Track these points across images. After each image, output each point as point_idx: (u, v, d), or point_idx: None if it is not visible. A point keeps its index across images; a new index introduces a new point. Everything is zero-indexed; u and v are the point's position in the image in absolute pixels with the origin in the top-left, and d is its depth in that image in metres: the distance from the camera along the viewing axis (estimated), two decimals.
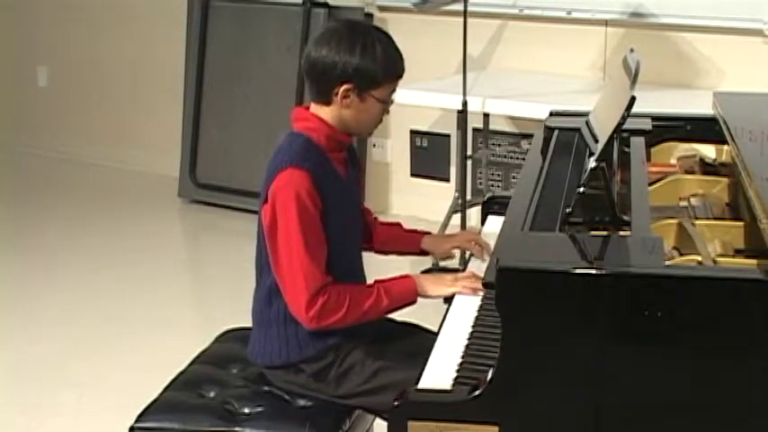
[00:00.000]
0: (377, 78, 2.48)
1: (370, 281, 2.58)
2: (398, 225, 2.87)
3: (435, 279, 2.59)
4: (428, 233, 2.86)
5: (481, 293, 2.52)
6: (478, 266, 2.70)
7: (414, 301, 2.56)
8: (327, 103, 2.52)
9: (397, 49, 2.54)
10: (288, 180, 2.44)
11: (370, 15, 5.58)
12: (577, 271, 1.92)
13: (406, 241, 2.84)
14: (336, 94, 2.48)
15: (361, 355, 2.53)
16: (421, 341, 2.51)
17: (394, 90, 2.56)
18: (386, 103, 2.54)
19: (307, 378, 2.55)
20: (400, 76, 2.55)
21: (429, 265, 4.47)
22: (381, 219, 2.88)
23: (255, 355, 2.63)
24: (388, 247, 2.85)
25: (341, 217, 2.53)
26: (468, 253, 2.85)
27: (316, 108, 2.55)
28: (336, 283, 2.48)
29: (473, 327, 2.39)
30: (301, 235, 2.43)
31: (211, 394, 2.60)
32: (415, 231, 2.86)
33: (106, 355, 4.16)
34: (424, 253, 2.85)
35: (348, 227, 2.60)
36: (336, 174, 2.54)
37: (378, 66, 2.47)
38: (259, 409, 2.53)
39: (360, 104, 2.50)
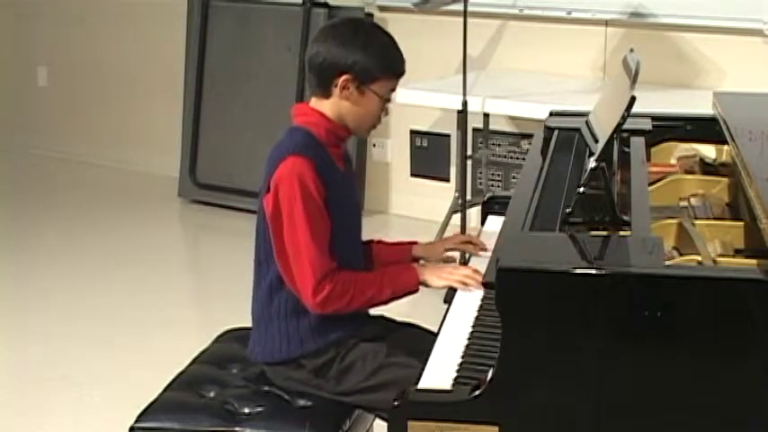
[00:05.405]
0: (376, 71, 2.50)
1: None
2: (380, 241, 2.79)
3: (434, 269, 2.59)
4: (416, 242, 2.80)
5: (474, 288, 2.52)
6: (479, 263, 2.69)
7: (416, 290, 2.56)
8: (327, 96, 2.53)
9: (398, 48, 2.56)
10: (291, 167, 2.45)
11: (370, 15, 5.58)
12: (577, 271, 1.92)
13: (396, 253, 2.76)
14: (336, 85, 2.50)
15: (362, 351, 2.53)
16: (421, 341, 2.50)
17: (394, 89, 2.57)
18: (385, 99, 2.55)
19: (307, 374, 2.55)
20: (400, 75, 2.56)
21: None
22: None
23: (256, 352, 2.63)
24: (377, 264, 2.74)
25: (342, 209, 2.54)
26: (467, 254, 2.85)
27: (316, 103, 2.56)
28: (341, 269, 2.48)
29: (473, 327, 2.39)
30: (306, 221, 2.43)
31: (211, 394, 2.60)
32: (401, 243, 2.80)
33: (106, 355, 4.16)
34: (415, 261, 2.79)
35: (349, 219, 2.60)
36: (336, 167, 2.55)
37: (378, 59, 2.50)
38: (259, 409, 2.53)
39: (359, 98, 2.51)
